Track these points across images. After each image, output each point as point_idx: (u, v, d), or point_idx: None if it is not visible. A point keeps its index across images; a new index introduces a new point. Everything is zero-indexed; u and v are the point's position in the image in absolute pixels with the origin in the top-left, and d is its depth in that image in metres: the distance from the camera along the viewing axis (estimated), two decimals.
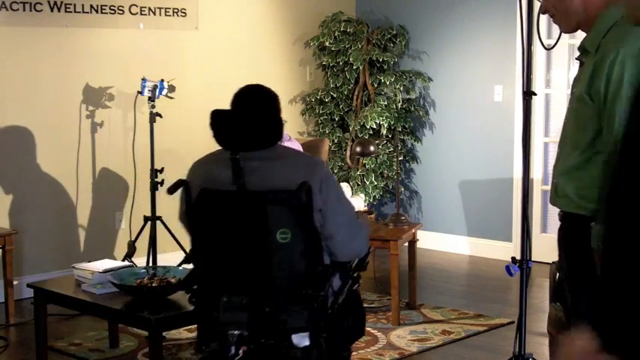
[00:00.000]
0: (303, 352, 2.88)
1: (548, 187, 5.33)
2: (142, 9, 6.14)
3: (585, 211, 2.44)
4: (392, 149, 7.03)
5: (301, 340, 2.88)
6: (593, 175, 2.26)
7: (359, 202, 5.52)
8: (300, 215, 2.87)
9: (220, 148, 3.02)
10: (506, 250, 6.13)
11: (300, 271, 2.90)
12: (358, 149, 5.72)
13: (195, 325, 4.75)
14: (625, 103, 2.30)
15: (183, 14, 6.38)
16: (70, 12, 5.77)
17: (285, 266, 2.90)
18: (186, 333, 4.84)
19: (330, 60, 7.13)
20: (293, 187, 2.87)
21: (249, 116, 3.03)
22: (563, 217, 2.56)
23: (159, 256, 5.77)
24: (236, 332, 2.84)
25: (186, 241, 6.04)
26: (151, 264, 5.63)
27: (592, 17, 2.47)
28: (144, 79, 5.66)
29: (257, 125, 3.00)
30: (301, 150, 5.37)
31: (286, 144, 5.36)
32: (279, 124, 3.04)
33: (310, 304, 2.87)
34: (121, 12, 6.02)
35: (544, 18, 6.20)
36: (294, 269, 2.91)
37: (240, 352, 2.83)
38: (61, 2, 5.71)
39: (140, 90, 5.67)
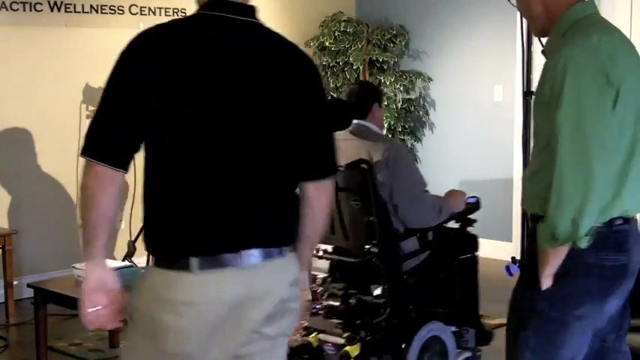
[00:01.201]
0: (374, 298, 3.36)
1: None
2: (142, 9, 6.14)
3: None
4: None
5: (373, 289, 3.35)
6: (551, 178, 2.28)
7: None
8: (364, 186, 3.29)
9: None
10: (506, 250, 6.12)
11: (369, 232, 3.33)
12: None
13: None
14: (567, 104, 2.26)
15: (183, 14, 6.38)
16: (70, 12, 5.77)
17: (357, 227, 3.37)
18: None
19: (330, 60, 7.13)
20: (364, 164, 3.39)
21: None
22: (530, 219, 2.58)
23: None
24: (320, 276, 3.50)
25: None
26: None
27: (554, 20, 2.43)
28: None
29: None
30: None
31: None
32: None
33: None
34: (121, 12, 6.02)
35: None
36: (364, 230, 3.35)
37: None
38: (61, 2, 5.71)
39: None
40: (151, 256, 2.13)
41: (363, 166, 3.42)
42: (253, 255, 2.04)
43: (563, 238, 2.29)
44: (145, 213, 2.13)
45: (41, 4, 5.63)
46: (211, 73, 2.01)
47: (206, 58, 2.02)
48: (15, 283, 5.34)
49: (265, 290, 2.08)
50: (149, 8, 6.18)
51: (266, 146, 2.07)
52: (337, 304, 3.47)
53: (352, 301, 3.46)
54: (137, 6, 6.11)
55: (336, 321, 3.45)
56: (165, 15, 6.27)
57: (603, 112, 2.25)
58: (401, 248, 3.54)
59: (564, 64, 2.28)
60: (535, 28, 2.53)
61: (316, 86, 2.27)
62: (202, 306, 2.02)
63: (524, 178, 2.57)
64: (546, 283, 2.38)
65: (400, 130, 7.07)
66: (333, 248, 3.50)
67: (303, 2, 7.20)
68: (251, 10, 2.21)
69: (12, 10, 5.52)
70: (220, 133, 2.02)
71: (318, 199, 2.22)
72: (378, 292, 3.34)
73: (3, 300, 5.29)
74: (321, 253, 3.55)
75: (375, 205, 3.34)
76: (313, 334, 3.55)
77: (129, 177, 6.58)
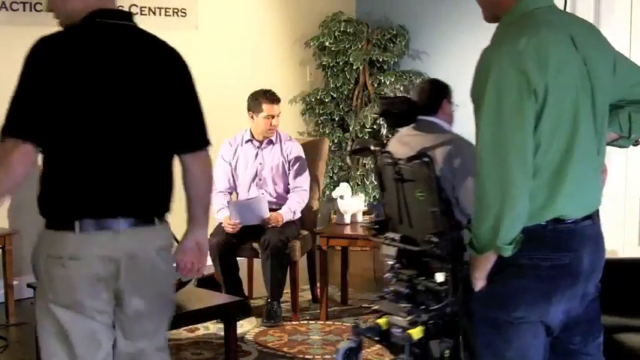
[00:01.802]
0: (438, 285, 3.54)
1: None
2: (142, 9, 6.14)
3: None
4: None
5: (438, 276, 3.51)
6: None
7: (359, 202, 5.52)
8: (427, 178, 3.53)
9: None
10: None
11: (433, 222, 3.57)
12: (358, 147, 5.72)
13: (196, 326, 4.77)
14: (487, 110, 2.23)
15: (183, 14, 6.38)
16: None
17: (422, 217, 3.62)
18: (186, 333, 4.84)
19: (330, 60, 7.13)
20: (426, 157, 3.56)
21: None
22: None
23: None
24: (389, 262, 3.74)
25: None
26: None
27: (505, 9, 2.37)
28: None
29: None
30: (301, 150, 5.37)
31: (286, 144, 5.37)
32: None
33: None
34: None
35: None
36: (428, 220, 3.59)
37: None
38: None
39: None
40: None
41: (425, 159, 3.57)
42: (124, 222, 2.50)
43: (482, 245, 2.27)
44: (40, 186, 2.58)
45: (41, 4, 5.63)
46: (92, 71, 2.48)
47: (89, 59, 2.50)
48: (15, 283, 5.33)
49: (134, 253, 2.52)
50: (149, 8, 6.18)
51: (138, 129, 2.53)
52: (404, 289, 3.67)
53: (418, 287, 3.65)
54: (137, 6, 6.11)
55: (403, 305, 3.64)
56: (166, 15, 6.27)
57: (523, 119, 2.20)
58: (463, 238, 3.69)
59: (487, 69, 2.24)
60: (485, 15, 2.47)
61: (183, 75, 2.81)
62: (84, 260, 2.46)
63: None
64: (478, 285, 2.35)
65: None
66: (401, 237, 3.72)
67: (303, 2, 7.20)
68: (128, 16, 2.66)
69: (12, 10, 5.52)
70: (98, 120, 2.47)
71: (194, 168, 2.68)
72: (441, 279, 3.50)
73: (3, 300, 5.29)
74: (388, 241, 3.74)
75: (438, 197, 3.54)
76: (382, 317, 3.72)
77: None
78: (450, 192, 3.68)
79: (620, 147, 2.65)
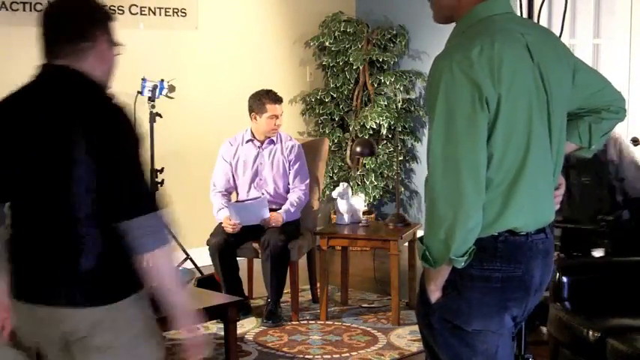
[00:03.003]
0: None
1: None
2: (142, 9, 6.14)
3: None
4: (392, 149, 7.03)
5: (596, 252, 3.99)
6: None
7: (359, 202, 5.52)
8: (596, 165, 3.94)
9: None
10: None
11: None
12: (358, 149, 5.73)
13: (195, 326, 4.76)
14: (438, 121, 2.16)
15: (183, 14, 6.38)
16: None
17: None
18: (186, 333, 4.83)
19: (330, 60, 7.13)
20: None
21: None
22: None
23: None
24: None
25: (186, 241, 6.05)
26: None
27: (462, 13, 2.31)
28: (144, 79, 5.66)
29: None
30: (301, 150, 5.37)
31: (287, 144, 5.37)
32: None
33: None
34: (121, 12, 6.02)
35: (544, 18, 6.20)
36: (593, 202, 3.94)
37: None
38: None
39: (140, 90, 5.67)
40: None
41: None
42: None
43: (435, 258, 2.22)
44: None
45: (41, 4, 5.63)
46: (14, 134, 2.37)
47: (16, 121, 2.40)
48: None
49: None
50: (149, 8, 6.18)
51: (56, 204, 2.32)
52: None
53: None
54: (137, 6, 6.11)
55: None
56: (166, 15, 6.27)
57: (476, 131, 2.14)
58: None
59: (439, 79, 2.17)
60: (438, 17, 2.42)
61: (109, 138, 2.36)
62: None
63: None
64: (433, 297, 2.32)
65: (400, 130, 7.07)
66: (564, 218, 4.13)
67: (303, 2, 7.20)
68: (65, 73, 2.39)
69: (12, 10, 5.52)
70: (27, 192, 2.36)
71: (134, 239, 2.28)
72: (599, 254, 3.87)
73: None
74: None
75: (605, 180, 3.99)
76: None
77: None
78: (613, 175, 4.14)
79: (581, 157, 2.61)
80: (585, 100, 2.44)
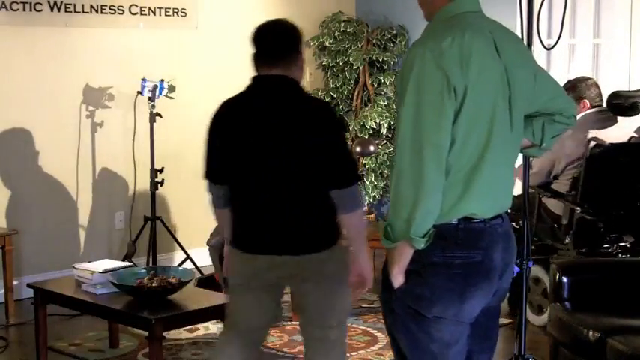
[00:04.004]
0: None
1: None
2: (142, 9, 6.14)
3: None
4: (392, 149, 7.03)
5: None
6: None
7: None
8: None
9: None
10: None
11: None
12: (358, 149, 5.72)
13: (196, 326, 4.77)
14: (408, 105, 2.28)
15: (183, 14, 6.38)
16: (70, 12, 5.77)
17: None
18: (186, 333, 4.84)
19: (330, 60, 7.13)
20: None
21: None
22: None
23: (159, 256, 5.77)
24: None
25: (186, 241, 6.04)
26: (150, 264, 5.63)
27: (436, 10, 2.44)
28: (144, 79, 5.66)
29: None
30: None
31: None
32: None
33: None
34: (121, 12, 6.02)
35: (544, 18, 6.20)
36: None
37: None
38: (61, 2, 5.71)
39: (140, 90, 5.68)
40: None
41: None
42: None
43: (397, 237, 2.32)
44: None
45: (41, 4, 5.63)
46: (249, 128, 3.06)
47: (249, 118, 3.07)
48: (15, 283, 5.34)
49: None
50: (149, 8, 6.18)
51: (286, 175, 3.04)
52: None
53: None
54: (137, 6, 6.11)
55: None
56: (166, 15, 6.27)
57: (442, 117, 2.26)
58: None
59: (411, 66, 2.30)
60: (424, 14, 2.52)
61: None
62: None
63: None
64: (396, 281, 2.39)
65: None
66: None
67: (303, 2, 7.20)
68: (282, 79, 3.09)
69: (12, 10, 5.52)
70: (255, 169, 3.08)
71: (343, 205, 3.01)
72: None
73: (3, 300, 5.29)
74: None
75: None
76: None
77: (129, 177, 6.60)
78: None
79: (530, 156, 2.80)
80: (543, 104, 2.58)
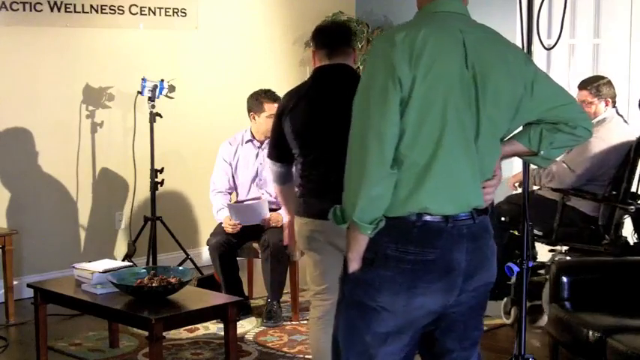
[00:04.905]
0: None
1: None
2: (142, 9, 6.14)
3: None
4: None
5: None
6: None
7: None
8: None
9: None
10: None
11: None
12: None
13: (196, 326, 4.77)
14: (360, 91, 2.37)
15: (183, 14, 6.38)
16: (70, 12, 5.77)
17: None
18: (186, 333, 4.84)
19: None
20: None
21: None
22: None
23: (159, 256, 5.77)
24: None
25: (186, 241, 6.04)
26: (151, 264, 5.63)
27: (419, 9, 2.55)
28: (144, 79, 5.66)
29: None
30: None
31: None
32: None
33: None
34: (121, 12, 6.02)
35: (544, 18, 6.20)
36: None
37: None
38: (61, 2, 5.71)
39: (140, 90, 5.68)
40: None
41: None
42: None
43: (346, 218, 2.37)
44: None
45: (41, 4, 5.63)
46: (321, 109, 3.50)
47: (320, 101, 3.53)
48: (15, 283, 5.33)
49: None
50: (149, 8, 6.18)
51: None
52: None
53: None
54: (137, 6, 6.11)
55: None
56: (166, 15, 6.27)
57: (386, 106, 2.31)
58: None
59: (369, 55, 2.45)
60: None
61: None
62: None
63: None
64: (351, 266, 2.43)
65: None
66: None
67: (303, 2, 7.20)
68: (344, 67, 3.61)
69: (12, 10, 5.52)
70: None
71: None
72: None
73: (3, 300, 5.29)
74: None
75: None
76: None
77: (129, 177, 6.58)
78: None
79: (535, 164, 2.72)
80: (545, 113, 2.54)
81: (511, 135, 2.60)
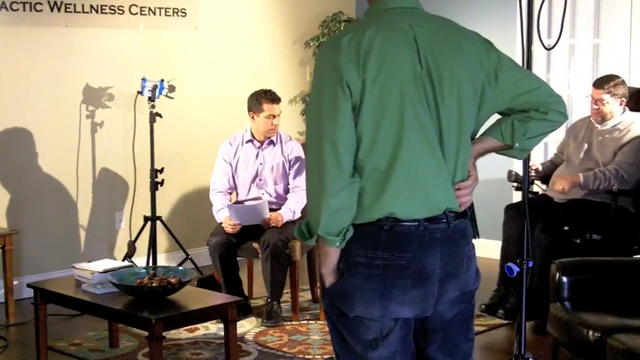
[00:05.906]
0: None
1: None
2: (142, 9, 6.14)
3: None
4: None
5: None
6: None
7: None
8: None
9: None
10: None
11: None
12: None
13: (196, 326, 4.77)
14: (311, 99, 2.31)
15: (183, 14, 6.38)
16: (70, 12, 5.77)
17: None
18: (186, 333, 4.84)
19: None
20: None
21: None
22: None
23: (159, 256, 5.77)
24: None
25: (186, 241, 6.04)
26: (151, 264, 5.63)
27: (369, 6, 2.43)
28: (144, 79, 5.66)
29: None
30: (301, 150, 5.37)
31: (287, 144, 5.37)
32: None
33: None
34: (121, 12, 6.02)
35: (544, 18, 6.20)
36: None
37: None
38: (61, 2, 5.71)
39: (140, 90, 5.68)
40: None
41: None
42: None
43: (311, 233, 2.30)
44: None
45: (41, 4, 5.63)
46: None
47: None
48: (15, 283, 5.34)
49: None
50: (149, 8, 6.18)
51: None
52: None
53: None
54: (137, 6, 6.11)
55: None
56: (166, 15, 6.27)
57: (337, 113, 2.22)
58: None
59: (316, 62, 2.35)
60: None
61: None
62: None
63: None
64: (326, 280, 2.38)
65: None
66: None
67: (303, 2, 7.20)
68: None
69: (12, 10, 5.52)
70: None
71: None
72: None
73: (3, 300, 5.29)
74: None
75: None
76: None
77: (129, 177, 6.58)
78: None
79: (512, 157, 2.56)
80: (513, 101, 2.41)
81: (483, 132, 2.49)
